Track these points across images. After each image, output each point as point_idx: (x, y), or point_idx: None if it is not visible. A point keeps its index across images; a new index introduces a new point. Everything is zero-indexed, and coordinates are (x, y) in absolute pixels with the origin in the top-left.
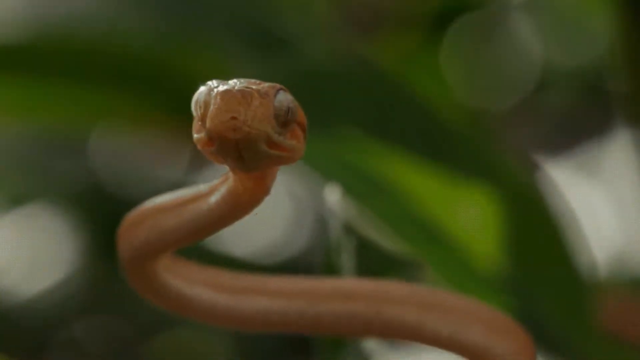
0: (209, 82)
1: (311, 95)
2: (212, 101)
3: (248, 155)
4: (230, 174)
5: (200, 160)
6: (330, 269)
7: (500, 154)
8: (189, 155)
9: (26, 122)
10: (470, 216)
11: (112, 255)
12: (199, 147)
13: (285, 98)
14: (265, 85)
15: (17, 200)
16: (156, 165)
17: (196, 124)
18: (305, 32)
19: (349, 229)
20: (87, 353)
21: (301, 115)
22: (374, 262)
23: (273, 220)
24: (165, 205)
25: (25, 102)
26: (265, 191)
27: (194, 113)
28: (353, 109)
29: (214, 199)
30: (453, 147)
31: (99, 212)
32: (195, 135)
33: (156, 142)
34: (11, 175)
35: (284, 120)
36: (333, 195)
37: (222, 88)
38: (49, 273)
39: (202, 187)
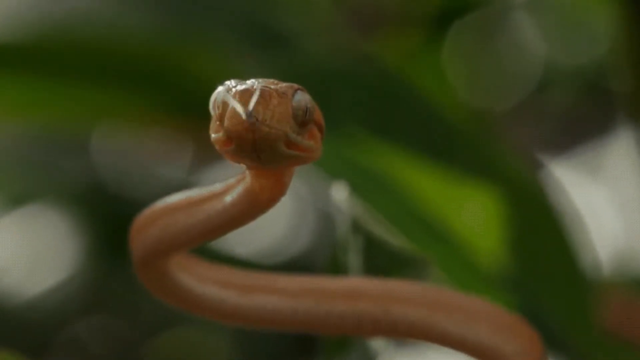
0: (227, 82)
1: (314, 93)
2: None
3: (266, 155)
4: (247, 173)
5: (202, 159)
6: (337, 267)
7: (503, 153)
8: (192, 154)
9: (28, 121)
10: (475, 215)
11: (114, 255)
12: (216, 147)
13: (303, 98)
14: (284, 85)
15: (18, 200)
16: (159, 164)
17: (214, 124)
18: (307, 30)
19: (355, 228)
20: (88, 353)
21: (318, 116)
22: (380, 261)
23: (279, 219)
24: (180, 204)
25: (26, 101)
26: (282, 190)
27: (212, 112)
28: (356, 107)
29: (229, 198)
30: (456, 146)
31: (101, 211)
32: (213, 135)
33: (158, 141)
34: (13, 175)
35: (302, 120)
36: (339, 194)
37: (240, 87)
38: (50, 273)
39: (217, 186)
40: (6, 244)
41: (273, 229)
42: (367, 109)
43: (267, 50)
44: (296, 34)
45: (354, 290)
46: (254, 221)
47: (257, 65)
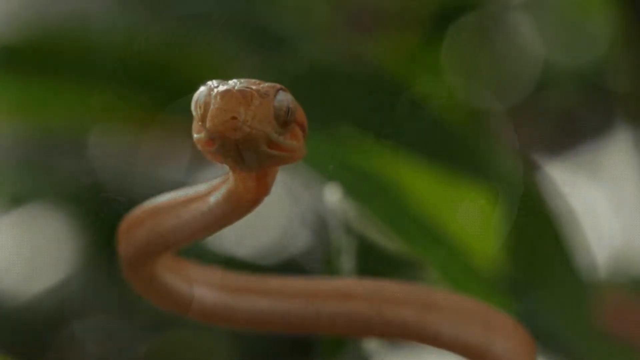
0: (209, 82)
1: (311, 95)
2: (212, 101)
3: (248, 155)
4: (231, 174)
5: (200, 161)
6: (331, 269)
7: (500, 154)
8: (190, 155)
9: (26, 122)
10: (471, 216)
11: (113, 256)
12: (199, 147)
13: (285, 98)
14: (265, 85)
15: (17, 200)
16: (157, 165)
17: (196, 124)
18: (305, 31)
19: (349, 229)
20: (87, 353)
21: (301, 115)
22: (374, 263)
23: (273, 221)
24: (165, 205)
25: (25, 102)
26: (266, 191)
27: (194, 113)
28: (353, 108)
29: (214, 198)
30: (453, 147)
31: (99, 212)
32: (195, 136)
33: (157, 142)
34: (11, 175)
35: (284, 120)
36: (333, 196)
37: (222, 88)
38: (49, 273)
39: (202, 187)
40: (5, 244)
41: (268, 231)
42: (364, 110)
43: (265, 52)
44: (294, 36)
45: (345, 291)
46: (250, 222)
47: (255, 66)
